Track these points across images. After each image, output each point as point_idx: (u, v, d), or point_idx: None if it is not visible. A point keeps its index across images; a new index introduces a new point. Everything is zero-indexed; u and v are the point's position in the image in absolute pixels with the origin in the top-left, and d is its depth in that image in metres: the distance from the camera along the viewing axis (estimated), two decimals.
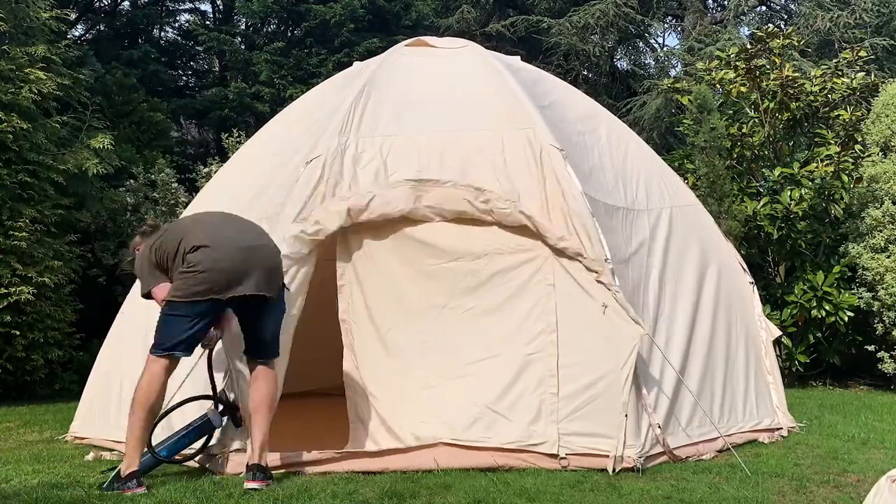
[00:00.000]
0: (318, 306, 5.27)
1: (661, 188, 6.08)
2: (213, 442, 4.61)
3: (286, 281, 4.62)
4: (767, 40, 9.82)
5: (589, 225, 4.84)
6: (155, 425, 4.45)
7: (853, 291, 8.66)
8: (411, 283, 4.94)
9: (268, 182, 5.43)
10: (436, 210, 4.94)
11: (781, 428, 5.79)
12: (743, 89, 9.68)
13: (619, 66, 17.54)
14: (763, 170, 9.86)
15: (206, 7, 18.02)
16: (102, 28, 15.57)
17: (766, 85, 9.53)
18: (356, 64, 6.54)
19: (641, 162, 6.20)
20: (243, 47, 15.17)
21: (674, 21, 17.97)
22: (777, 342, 7.49)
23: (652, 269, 5.42)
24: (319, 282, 5.07)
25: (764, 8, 17.26)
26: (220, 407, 4.55)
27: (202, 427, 4.52)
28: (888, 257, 8.30)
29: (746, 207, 9.04)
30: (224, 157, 11.44)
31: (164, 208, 10.09)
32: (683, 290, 5.57)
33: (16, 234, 7.78)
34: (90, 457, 5.09)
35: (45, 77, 8.30)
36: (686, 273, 5.67)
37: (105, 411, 5.49)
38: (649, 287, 5.30)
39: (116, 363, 5.61)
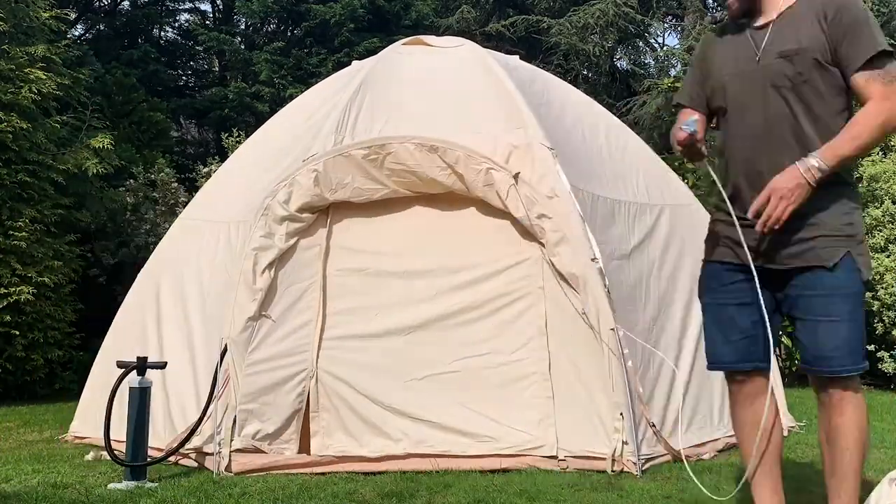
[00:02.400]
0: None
1: (661, 186, 6.08)
2: (213, 441, 4.62)
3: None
4: None
5: (576, 226, 4.79)
6: (187, 439, 4.52)
7: None
8: (396, 284, 4.95)
9: (258, 179, 5.42)
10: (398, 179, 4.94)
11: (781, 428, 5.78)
12: None
13: (618, 65, 17.54)
14: None
15: (206, 7, 18.05)
16: (102, 28, 15.57)
17: None
18: (355, 63, 6.53)
19: (640, 160, 6.20)
20: (243, 47, 15.18)
21: (674, 21, 17.97)
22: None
23: (654, 264, 5.42)
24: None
25: None
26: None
27: None
28: (888, 257, 8.31)
29: None
30: (224, 156, 11.45)
31: (163, 208, 10.09)
32: (682, 288, 5.57)
33: (15, 233, 7.78)
34: (90, 456, 5.09)
35: (44, 77, 8.30)
36: (684, 271, 5.67)
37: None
38: (651, 282, 5.30)
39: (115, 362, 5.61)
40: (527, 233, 4.96)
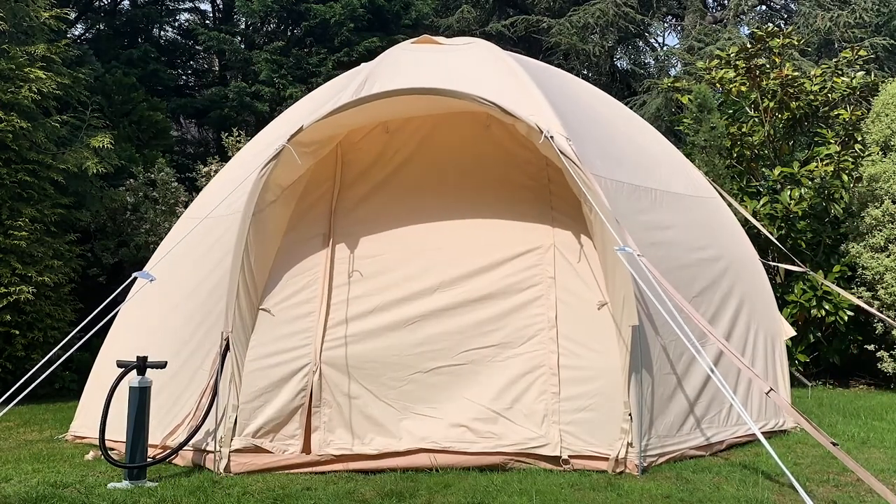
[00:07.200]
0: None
1: (685, 178, 6.04)
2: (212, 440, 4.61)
3: None
4: (767, 40, 9.82)
5: (604, 208, 4.59)
6: (189, 438, 4.51)
7: (853, 291, 8.65)
8: (405, 267, 4.93)
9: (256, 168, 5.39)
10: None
11: (785, 430, 5.78)
12: (743, 88, 9.67)
13: (618, 65, 17.55)
14: (763, 169, 9.86)
15: (206, 6, 18.04)
16: (102, 27, 15.55)
17: (766, 84, 9.52)
18: (363, 65, 6.53)
19: (662, 152, 6.18)
20: (243, 46, 15.16)
21: (674, 20, 17.98)
22: None
23: (681, 255, 5.35)
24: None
25: (764, 7, 17.26)
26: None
27: None
28: (888, 256, 8.30)
29: (746, 207, 9.03)
30: (224, 156, 11.43)
31: (164, 208, 10.08)
32: (706, 284, 5.48)
33: (16, 233, 7.77)
34: (90, 456, 5.09)
35: (44, 76, 8.29)
36: (708, 266, 5.60)
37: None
38: (678, 274, 5.17)
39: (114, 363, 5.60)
40: (537, 219, 4.93)
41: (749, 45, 9.98)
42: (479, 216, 5.03)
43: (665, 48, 17.71)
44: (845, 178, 9.01)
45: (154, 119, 12.24)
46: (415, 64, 5.81)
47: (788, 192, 9.04)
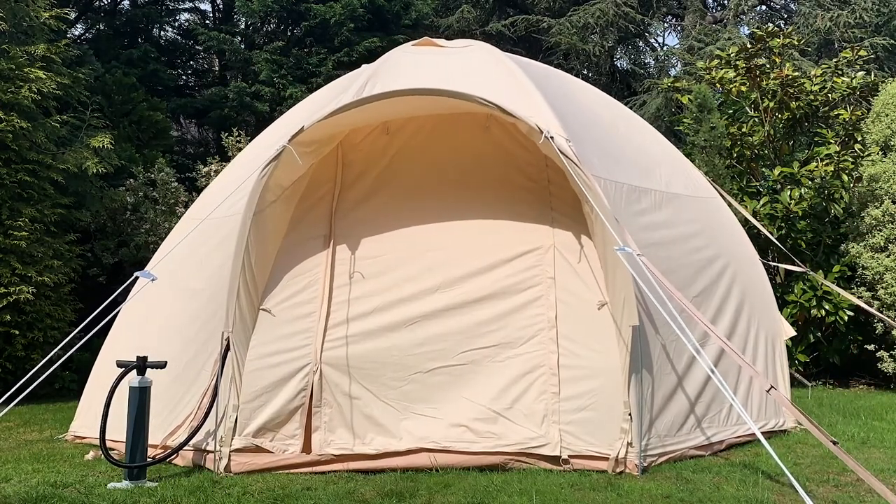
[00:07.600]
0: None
1: (685, 178, 6.04)
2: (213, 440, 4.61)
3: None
4: (767, 39, 9.82)
5: (604, 209, 4.57)
6: (190, 438, 4.49)
7: (853, 291, 8.65)
8: (405, 269, 4.94)
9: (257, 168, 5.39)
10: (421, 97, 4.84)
11: (785, 430, 5.78)
12: (743, 88, 9.68)
13: (618, 65, 17.56)
14: (763, 169, 9.86)
15: (206, 6, 18.05)
16: (102, 27, 15.55)
17: (766, 84, 9.53)
18: (364, 66, 6.55)
19: (662, 153, 6.18)
20: (243, 46, 15.16)
21: (674, 20, 17.99)
22: None
23: (681, 255, 5.35)
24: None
25: (764, 7, 17.27)
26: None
27: None
28: (888, 256, 8.30)
29: (746, 207, 9.04)
30: (224, 156, 11.42)
31: (164, 208, 10.08)
32: (706, 284, 5.49)
33: (15, 233, 7.77)
34: (90, 456, 5.09)
35: (44, 76, 8.29)
36: (708, 266, 5.59)
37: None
38: (678, 273, 5.19)
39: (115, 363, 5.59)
40: (537, 220, 4.93)
41: (749, 45, 9.99)
42: (479, 217, 5.04)
43: (665, 48, 17.73)
44: (845, 178, 9.01)
45: (154, 119, 12.24)
46: (416, 66, 5.84)
47: (788, 192, 9.04)
